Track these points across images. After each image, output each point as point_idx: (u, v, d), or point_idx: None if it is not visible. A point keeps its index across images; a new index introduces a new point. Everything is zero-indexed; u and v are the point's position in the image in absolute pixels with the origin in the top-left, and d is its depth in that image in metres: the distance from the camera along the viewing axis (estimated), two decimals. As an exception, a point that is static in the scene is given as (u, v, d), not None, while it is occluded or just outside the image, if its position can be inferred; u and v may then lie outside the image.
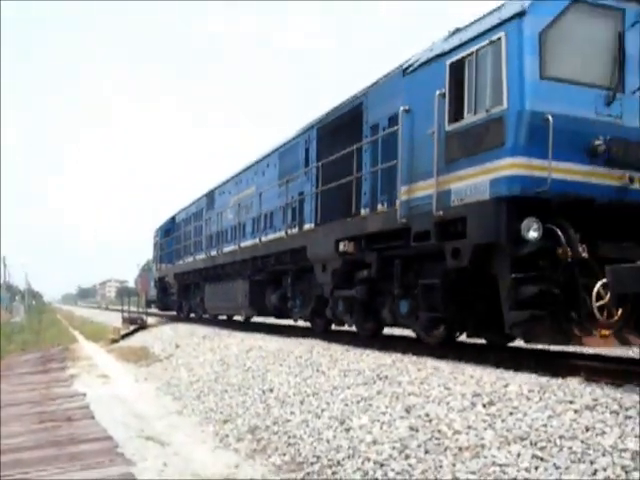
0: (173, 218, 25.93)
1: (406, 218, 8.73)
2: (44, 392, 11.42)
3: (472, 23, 8.25)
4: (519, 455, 4.56)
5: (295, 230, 12.87)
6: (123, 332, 23.15)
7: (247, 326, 14.69)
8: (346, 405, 6.71)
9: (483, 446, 4.83)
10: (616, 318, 6.78)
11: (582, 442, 4.46)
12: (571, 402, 5.13)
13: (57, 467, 6.13)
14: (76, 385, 12.19)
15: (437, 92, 8.13)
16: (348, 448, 5.69)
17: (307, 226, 12.33)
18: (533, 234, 7.04)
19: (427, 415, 5.69)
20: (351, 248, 10.32)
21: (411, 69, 9.03)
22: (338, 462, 5.53)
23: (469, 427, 5.19)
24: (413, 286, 8.93)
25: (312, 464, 5.73)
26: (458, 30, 8.55)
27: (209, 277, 19.44)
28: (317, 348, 9.92)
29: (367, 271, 10.10)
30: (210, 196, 20.15)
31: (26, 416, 9.07)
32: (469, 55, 7.83)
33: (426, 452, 5.10)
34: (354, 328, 11.56)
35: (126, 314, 27.19)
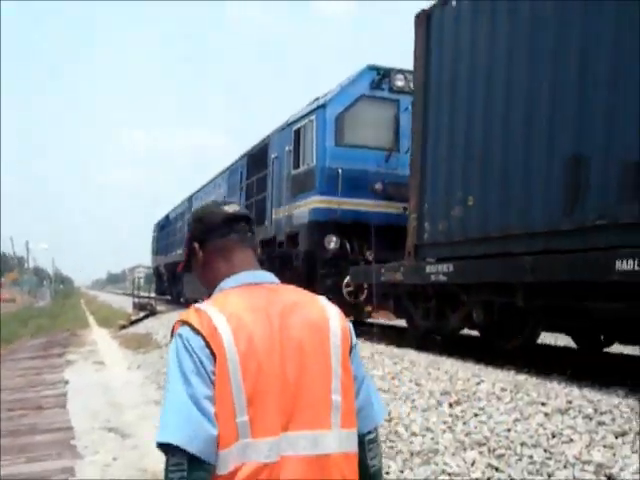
0: (167, 215, 29.47)
1: (274, 231, 12.78)
2: (32, 378, 11.21)
3: (312, 101, 12.08)
4: (473, 463, 4.12)
5: None
6: (133, 318, 22.96)
7: None
8: None
9: (436, 451, 4.44)
10: (363, 297, 10.38)
11: (545, 451, 4.06)
12: (543, 404, 4.80)
13: (3, 459, 5.82)
14: (68, 372, 11.95)
15: (286, 148, 12.31)
16: None
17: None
18: (332, 245, 10.83)
19: (389, 414, 5.34)
20: None
21: (279, 128, 13.18)
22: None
23: (427, 429, 4.83)
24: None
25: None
26: (317, 99, 12.00)
27: None
28: None
29: (262, 266, 12.61)
30: (190, 199, 23.85)
31: (3, 403, 8.84)
32: (301, 126, 11.83)
33: (378, 455, 4.78)
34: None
35: (137, 300, 27.17)
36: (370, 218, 10.61)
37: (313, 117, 11.45)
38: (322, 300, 1.75)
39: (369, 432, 1.71)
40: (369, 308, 10.72)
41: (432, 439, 4.63)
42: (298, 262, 11.67)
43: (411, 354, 7.46)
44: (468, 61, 7.50)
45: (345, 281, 10.54)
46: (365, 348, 7.99)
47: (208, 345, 1.48)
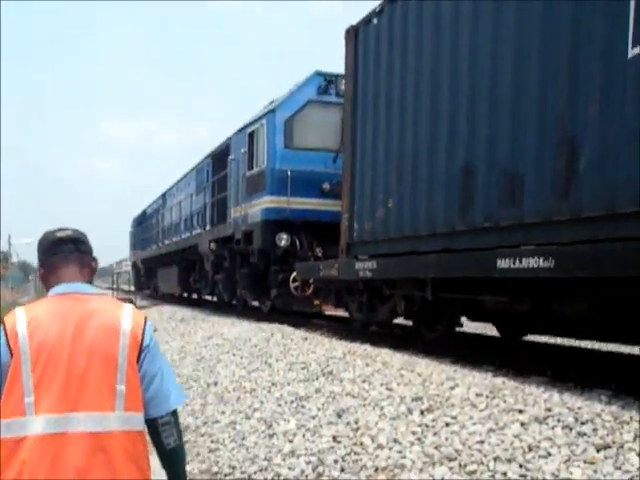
0: (144, 211, 30.20)
1: (232, 229, 13.58)
2: None
3: (268, 105, 12.77)
4: (441, 481, 3.92)
5: (199, 231, 17.42)
6: None
7: (241, 310, 14.84)
8: (279, 405, 6.34)
9: (403, 467, 4.23)
10: (309, 292, 11.28)
11: (520, 466, 3.81)
12: (520, 411, 4.43)
13: None
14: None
15: (242, 150, 13.14)
16: (264, 459, 5.27)
17: (198, 230, 17.46)
18: (283, 242, 11.53)
19: (356, 422, 5.16)
20: (214, 247, 15.15)
21: (237, 130, 13.94)
22: (249, 476, 5.12)
23: (395, 440, 4.60)
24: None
25: (226, 476, 5.34)
26: (272, 102, 12.71)
27: (160, 263, 24.30)
28: (277, 336, 9.56)
29: (225, 262, 14.37)
30: (164, 196, 24.60)
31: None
32: (254, 130, 12.68)
33: (342, 470, 4.58)
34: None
35: (115, 295, 27.76)
36: (318, 216, 11.33)
37: (264, 121, 12.22)
38: (123, 308, 2.25)
39: (161, 416, 2.20)
40: (317, 302, 11.43)
41: (399, 452, 4.40)
42: (254, 258, 12.42)
43: (385, 354, 7.13)
44: (385, 77, 8.24)
45: (292, 276, 11.30)
46: (338, 347, 7.87)
47: (7, 341, 2.06)
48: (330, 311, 12.95)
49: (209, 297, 19.00)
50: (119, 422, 2.09)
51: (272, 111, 12.07)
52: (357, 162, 8.99)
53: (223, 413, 6.85)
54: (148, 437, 2.24)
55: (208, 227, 16.24)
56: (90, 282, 2.38)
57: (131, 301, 23.36)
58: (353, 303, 9.57)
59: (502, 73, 6.21)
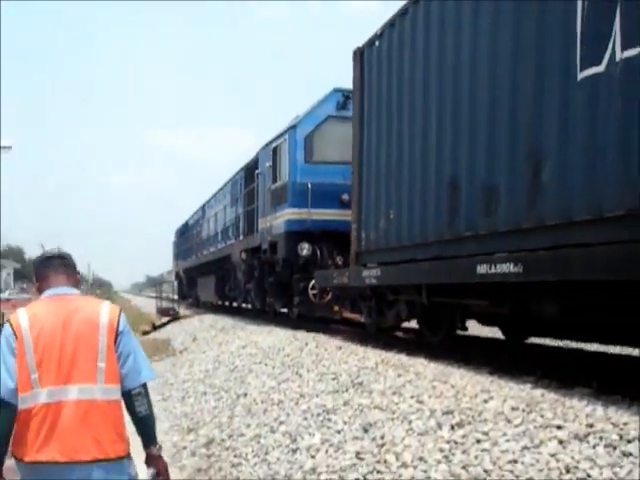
0: (186, 222, 31.30)
1: (259, 239, 14.55)
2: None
3: (292, 120, 13.39)
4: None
5: (232, 241, 18.50)
6: (157, 323, 23.67)
7: (273, 317, 15.02)
8: (305, 418, 6.17)
9: None
10: (327, 299, 11.81)
11: None
12: (559, 427, 4.07)
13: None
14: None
15: (267, 164, 14.05)
16: (285, 476, 5.22)
17: (232, 240, 18.51)
18: (305, 252, 12.23)
19: (382, 438, 4.93)
20: (244, 257, 16.34)
21: (264, 145, 14.76)
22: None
23: (420, 458, 4.36)
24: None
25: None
26: (296, 117, 13.34)
27: (199, 272, 25.49)
28: (311, 345, 9.37)
29: (255, 271, 15.43)
30: (203, 207, 25.77)
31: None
32: (277, 145, 13.50)
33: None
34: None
35: (159, 304, 28.47)
36: (338, 226, 11.75)
37: (286, 137, 13.03)
38: (102, 304, 2.97)
39: (134, 388, 2.88)
40: (337, 308, 11.89)
41: (424, 471, 4.16)
42: (279, 267, 13.21)
43: (419, 364, 6.88)
44: (386, 96, 8.82)
45: (310, 284, 11.99)
46: (372, 356, 7.57)
47: (14, 332, 2.79)
48: (348, 315, 13.38)
49: (244, 305, 19.80)
50: (101, 392, 2.80)
51: (293, 127, 12.86)
52: (364, 175, 9.57)
53: (249, 426, 6.85)
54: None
55: (240, 237, 17.13)
56: (75, 287, 3.11)
57: (174, 310, 23.86)
58: (364, 309, 10.10)
59: (480, 91, 6.71)
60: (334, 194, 12.07)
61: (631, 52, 4.79)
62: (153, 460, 3.00)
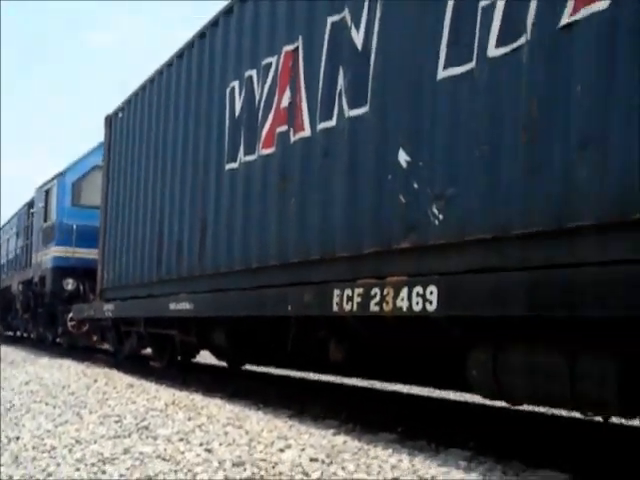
0: None
1: (32, 273, 16.26)
2: None
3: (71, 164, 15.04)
4: None
5: (14, 272, 19.57)
6: None
7: (62, 349, 15.06)
8: (77, 469, 5.27)
9: None
10: (84, 329, 13.84)
11: None
12: None
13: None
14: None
15: (40, 204, 15.88)
16: None
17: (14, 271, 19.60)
18: (69, 286, 14.02)
19: None
20: (22, 288, 17.67)
21: (39, 187, 16.43)
22: None
23: None
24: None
25: None
26: (67, 165, 14.95)
27: None
28: (100, 382, 8.75)
29: (30, 302, 16.82)
30: None
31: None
32: (49, 188, 15.31)
33: None
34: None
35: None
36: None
37: (56, 182, 14.88)
38: None
39: None
40: (95, 338, 13.52)
41: None
42: (47, 299, 14.83)
43: (214, 406, 6.45)
44: (124, 160, 10.79)
45: (69, 316, 13.70)
46: (163, 396, 7.12)
47: None
48: (101, 345, 14.86)
49: (25, 334, 20.55)
50: None
51: (62, 174, 14.77)
52: (107, 223, 11.35)
53: (11, 479, 5.50)
54: None
55: (19, 269, 18.51)
56: None
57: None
58: (109, 338, 11.70)
59: (170, 175, 8.69)
60: (97, 235, 13.62)
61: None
62: None
